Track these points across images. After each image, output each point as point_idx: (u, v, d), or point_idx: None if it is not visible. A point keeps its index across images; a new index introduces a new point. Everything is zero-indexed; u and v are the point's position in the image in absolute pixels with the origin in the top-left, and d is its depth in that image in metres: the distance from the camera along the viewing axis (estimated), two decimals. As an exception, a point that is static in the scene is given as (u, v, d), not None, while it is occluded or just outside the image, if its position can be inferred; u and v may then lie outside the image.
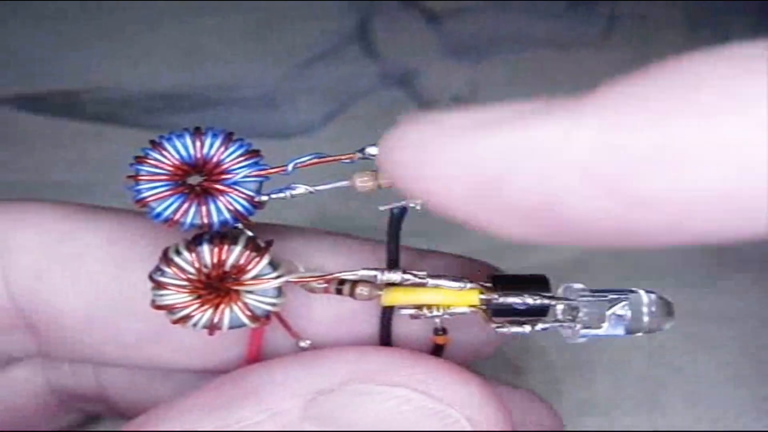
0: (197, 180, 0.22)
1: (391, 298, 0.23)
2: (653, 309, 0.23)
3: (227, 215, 0.21)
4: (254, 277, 0.22)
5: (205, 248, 0.22)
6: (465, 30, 0.43)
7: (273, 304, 0.22)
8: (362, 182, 0.22)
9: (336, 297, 0.23)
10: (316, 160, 0.22)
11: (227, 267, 0.22)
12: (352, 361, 0.22)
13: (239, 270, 0.22)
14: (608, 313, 0.22)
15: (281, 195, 0.22)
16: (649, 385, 0.33)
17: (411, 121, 0.17)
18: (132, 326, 0.25)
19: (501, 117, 0.16)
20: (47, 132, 0.40)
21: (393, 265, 0.23)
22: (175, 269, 0.22)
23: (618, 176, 0.15)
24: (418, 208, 0.22)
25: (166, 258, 0.22)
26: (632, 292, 0.23)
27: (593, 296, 0.23)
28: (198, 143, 0.21)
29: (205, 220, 0.21)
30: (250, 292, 0.22)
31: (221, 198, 0.21)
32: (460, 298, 0.22)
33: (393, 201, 0.22)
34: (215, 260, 0.22)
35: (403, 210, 0.22)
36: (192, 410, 0.22)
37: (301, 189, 0.22)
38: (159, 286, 0.22)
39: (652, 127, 0.15)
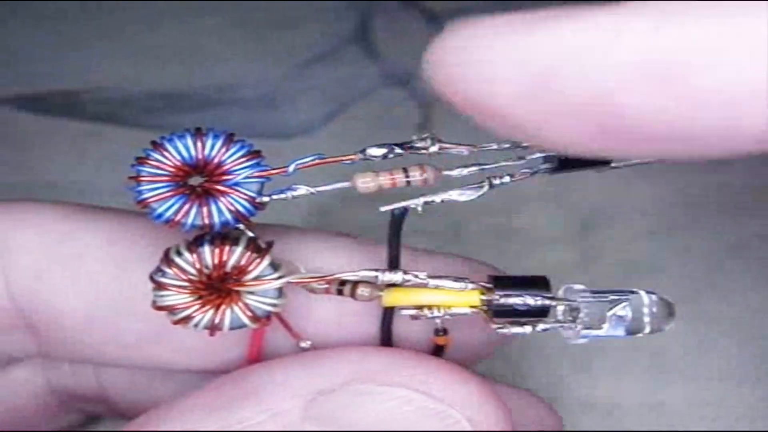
0: (198, 181, 0.22)
1: (391, 298, 0.23)
2: (654, 310, 0.23)
3: (228, 216, 0.21)
4: (255, 278, 0.22)
5: (206, 249, 0.22)
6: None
7: (274, 305, 0.22)
8: (363, 183, 0.22)
9: (337, 297, 0.23)
10: (317, 161, 0.22)
11: (228, 268, 0.22)
12: (353, 361, 0.22)
13: (240, 271, 0.22)
14: (609, 313, 0.22)
15: (282, 196, 0.22)
16: (649, 385, 0.33)
17: (457, 26, 0.17)
18: (132, 326, 0.25)
19: (551, 15, 0.16)
20: (47, 132, 0.40)
21: (394, 265, 0.23)
22: (176, 270, 0.22)
23: (671, 72, 0.15)
24: (419, 209, 0.22)
25: (167, 259, 0.22)
26: (633, 292, 0.23)
27: (594, 297, 0.23)
28: (199, 144, 0.21)
29: (206, 221, 0.21)
30: (251, 292, 0.22)
31: (222, 199, 0.21)
32: (460, 298, 0.22)
33: (394, 202, 0.22)
34: (216, 261, 0.22)
35: (404, 211, 0.22)
36: (193, 410, 0.22)
37: (302, 190, 0.22)
38: (160, 286, 0.22)
39: (706, 22, 0.14)
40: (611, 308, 0.22)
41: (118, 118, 0.40)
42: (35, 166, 0.39)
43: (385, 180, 0.22)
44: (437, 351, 0.24)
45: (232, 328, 0.22)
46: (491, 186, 0.22)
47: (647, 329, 0.23)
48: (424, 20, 0.43)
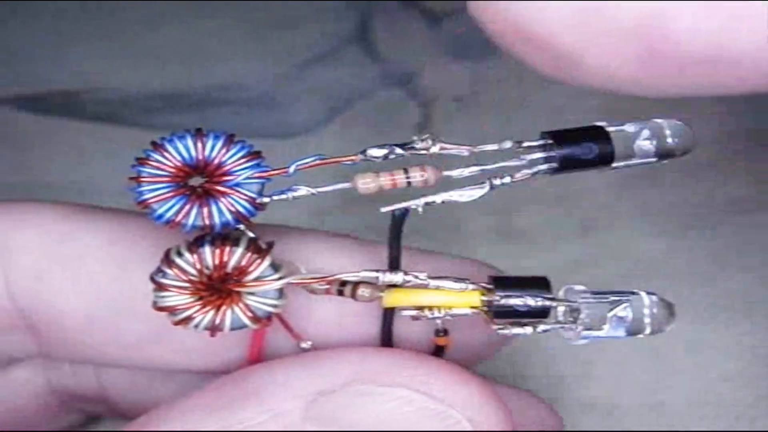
0: (199, 181, 0.22)
1: (392, 299, 0.23)
2: (654, 311, 0.23)
3: (229, 217, 0.21)
4: (256, 279, 0.22)
5: (207, 250, 0.22)
6: (465, 30, 0.43)
7: (274, 306, 0.22)
8: (364, 184, 0.22)
9: (337, 298, 0.23)
10: (318, 162, 0.22)
11: (229, 268, 0.22)
12: (354, 362, 0.22)
13: (241, 271, 0.22)
14: (609, 314, 0.22)
15: (283, 196, 0.22)
16: (649, 385, 0.33)
17: None
18: (133, 327, 0.25)
19: None
20: (47, 132, 0.40)
21: (394, 266, 0.23)
22: (176, 271, 0.22)
23: None
24: (420, 210, 0.22)
25: (167, 259, 0.22)
26: (633, 293, 0.23)
27: (594, 298, 0.23)
28: (200, 145, 0.21)
29: (207, 222, 0.21)
30: (252, 293, 0.22)
31: (223, 199, 0.21)
32: (461, 299, 0.22)
33: (394, 203, 0.22)
34: (217, 262, 0.22)
35: (405, 212, 0.22)
36: (193, 411, 0.22)
37: (302, 191, 0.22)
38: (160, 287, 0.22)
39: None
40: (612, 309, 0.22)
41: (118, 118, 0.40)
42: (35, 166, 0.39)
43: (385, 181, 0.22)
44: (438, 352, 0.24)
45: (232, 329, 0.22)
46: (492, 186, 0.22)
47: (648, 330, 0.23)
48: (424, 20, 0.43)
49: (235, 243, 0.22)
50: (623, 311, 0.22)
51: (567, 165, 0.22)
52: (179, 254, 0.22)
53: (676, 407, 0.33)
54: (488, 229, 0.37)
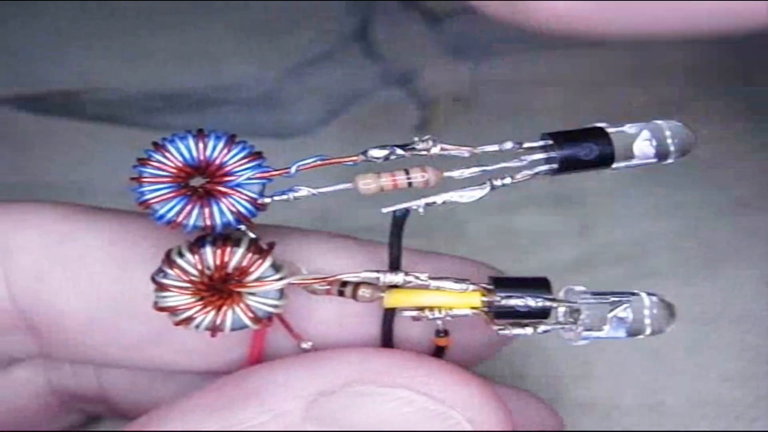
0: (200, 182, 0.22)
1: (393, 299, 0.23)
2: (655, 311, 0.23)
3: (230, 217, 0.21)
4: (257, 279, 0.22)
5: (208, 250, 0.22)
6: (465, 30, 0.43)
7: (275, 306, 0.22)
8: (365, 184, 0.22)
9: (338, 299, 0.23)
10: (319, 163, 0.22)
11: (230, 269, 0.22)
12: (354, 362, 0.22)
13: (242, 272, 0.22)
14: (610, 315, 0.23)
15: (284, 197, 0.22)
16: (649, 385, 0.33)
17: None
18: (133, 327, 0.25)
19: None
20: (47, 132, 0.40)
21: (395, 267, 0.23)
22: (177, 271, 0.22)
23: None
24: (420, 211, 0.22)
25: (168, 260, 0.22)
26: (634, 294, 0.23)
27: (595, 299, 0.23)
28: (201, 145, 0.21)
29: (208, 222, 0.21)
30: (253, 293, 0.22)
31: (224, 200, 0.21)
32: (461, 300, 0.22)
33: (395, 203, 0.22)
34: (218, 262, 0.22)
35: (406, 212, 0.22)
36: (194, 411, 0.22)
37: (303, 191, 0.22)
38: (161, 287, 0.22)
39: None
40: (612, 310, 0.23)
41: (118, 119, 0.40)
42: (35, 166, 0.39)
43: (386, 181, 0.22)
44: (438, 352, 0.24)
45: (233, 329, 0.22)
46: (492, 187, 0.22)
47: (648, 331, 0.23)
48: (424, 20, 0.43)
49: (236, 243, 0.22)
50: (623, 312, 0.22)
51: (567, 166, 0.22)
52: (180, 254, 0.22)
53: (676, 407, 0.33)
54: (489, 230, 0.37)
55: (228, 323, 0.22)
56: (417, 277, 0.22)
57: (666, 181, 0.38)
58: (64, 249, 0.24)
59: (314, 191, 0.22)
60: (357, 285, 0.23)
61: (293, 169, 0.22)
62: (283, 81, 0.41)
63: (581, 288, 0.23)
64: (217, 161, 0.22)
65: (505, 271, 0.26)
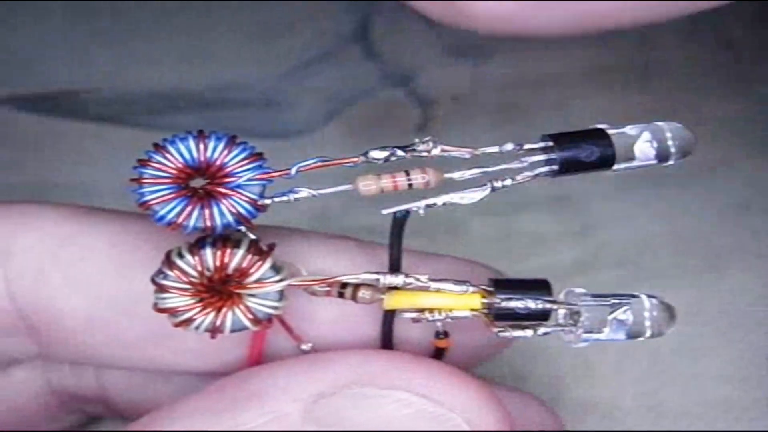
0: (200, 183, 0.22)
1: (393, 301, 0.23)
2: (655, 313, 0.23)
3: (230, 218, 0.21)
4: (257, 281, 0.22)
5: (208, 251, 0.22)
6: (465, 30, 0.43)
7: (275, 308, 0.22)
8: (365, 185, 0.22)
9: (338, 300, 0.23)
10: (319, 164, 0.22)
11: (230, 270, 0.22)
12: (354, 364, 0.22)
13: (242, 273, 0.22)
14: (610, 317, 0.22)
15: (284, 198, 0.22)
16: (649, 386, 0.33)
17: None
18: (133, 328, 0.25)
19: None
20: (47, 132, 0.40)
21: (395, 268, 0.23)
22: (177, 272, 0.22)
23: None
24: (421, 212, 0.22)
25: (168, 261, 0.22)
26: (634, 296, 0.23)
27: (595, 301, 0.23)
28: (201, 146, 0.21)
29: (208, 223, 0.21)
30: (253, 295, 0.22)
31: (224, 201, 0.21)
32: (461, 301, 0.22)
33: (396, 204, 0.22)
34: (218, 263, 0.22)
35: (406, 213, 0.22)
36: (195, 412, 0.22)
37: (304, 193, 0.22)
38: (161, 289, 0.22)
39: None
40: (612, 312, 0.22)
41: (118, 118, 0.40)
42: (35, 166, 0.39)
43: (386, 182, 0.22)
44: (438, 354, 0.24)
45: (233, 331, 0.22)
46: (493, 189, 0.22)
47: (648, 333, 0.23)
48: (424, 20, 0.43)
49: (236, 245, 0.22)
50: (623, 314, 0.22)
51: (568, 167, 0.22)
52: (180, 256, 0.22)
53: (676, 408, 0.33)
54: (489, 231, 0.37)
55: (228, 325, 0.22)
56: (417, 279, 0.22)
57: (666, 182, 0.38)
58: (64, 250, 0.24)
59: (314, 192, 0.22)
60: (357, 286, 0.23)
61: (293, 171, 0.22)
62: (283, 81, 0.41)
63: (581, 290, 0.23)
64: (218, 162, 0.22)
65: (506, 273, 0.26)
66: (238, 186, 0.21)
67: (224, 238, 0.22)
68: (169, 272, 0.22)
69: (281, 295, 0.22)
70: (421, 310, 0.23)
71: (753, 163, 0.39)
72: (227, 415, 0.22)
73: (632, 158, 0.22)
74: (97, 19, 0.42)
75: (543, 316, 0.22)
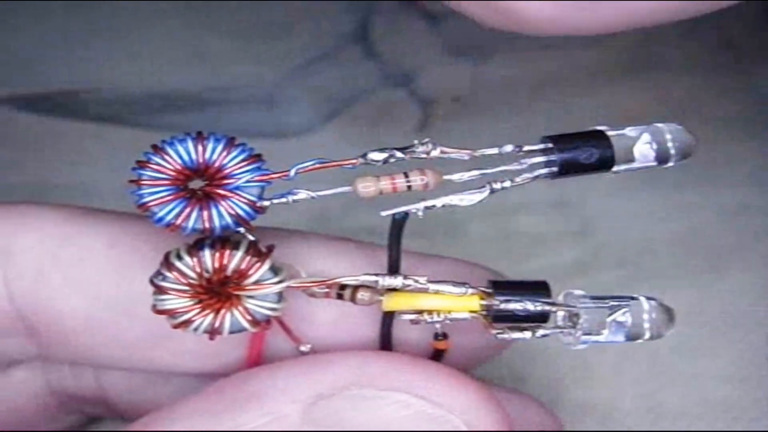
0: (199, 184, 0.22)
1: (392, 303, 0.23)
2: (654, 316, 0.23)
3: (229, 220, 0.21)
4: (255, 282, 0.22)
5: (207, 253, 0.22)
6: (465, 30, 0.43)
7: (274, 309, 0.22)
8: (364, 187, 0.22)
9: (337, 302, 0.23)
10: (318, 166, 0.22)
11: (228, 272, 0.22)
12: (353, 365, 0.22)
13: (240, 275, 0.22)
14: (609, 319, 0.22)
15: (283, 200, 0.22)
16: (649, 387, 0.33)
17: None
18: (132, 329, 0.25)
19: None
20: (47, 132, 0.40)
21: (394, 270, 0.23)
22: (176, 274, 0.22)
23: None
24: (420, 214, 0.22)
25: (167, 262, 0.22)
26: (633, 298, 0.23)
27: (594, 303, 0.23)
28: (200, 148, 0.21)
29: (207, 225, 0.21)
30: (251, 296, 0.22)
31: (223, 203, 0.21)
32: (460, 303, 0.22)
33: (395, 206, 0.22)
34: (217, 265, 0.22)
35: (405, 215, 0.22)
36: (194, 413, 0.22)
37: (302, 194, 0.22)
38: (160, 290, 0.22)
39: None
40: (611, 314, 0.22)
41: (118, 118, 0.40)
42: (35, 166, 0.38)
43: (385, 184, 0.22)
44: (437, 355, 0.24)
45: (231, 332, 0.22)
46: (492, 191, 0.22)
47: (647, 335, 0.23)
48: (424, 20, 0.43)
49: (235, 246, 0.22)
50: (622, 316, 0.22)
51: (568, 169, 0.22)
52: (179, 257, 0.22)
53: (675, 408, 0.33)
54: (488, 232, 0.37)
55: (226, 326, 0.22)
56: (416, 281, 0.22)
57: (667, 182, 0.38)
58: (63, 251, 0.24)
59: (313, 194, 0.22)
60: (356, 288, 0.23)
61: (292, 172, 0.22)
62: (283, 81, 0.41)
63: (580, 292, 0.23)
64: (217, 164, 0.22)
65: (505, 273, 0.26)
66: (237, 188, 0.22)
67: (223, 240, 0.22)
68: (168, 274, 0.22)
69: (280, 296, 0.22)
70: (420, 312, 0.23)
71: (753, 163, 0.38)
72: (226, 415, 0.22)
73: (632, 160, 0.22)
74: (97, 19, 0.42)
75: (542, 318, 0.22)
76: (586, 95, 0.41)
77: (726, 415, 0.33)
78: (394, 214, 0.22)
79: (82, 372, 0.28)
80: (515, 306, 0.22)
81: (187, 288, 0.22)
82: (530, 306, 0.22)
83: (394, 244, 0.23)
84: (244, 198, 0.22)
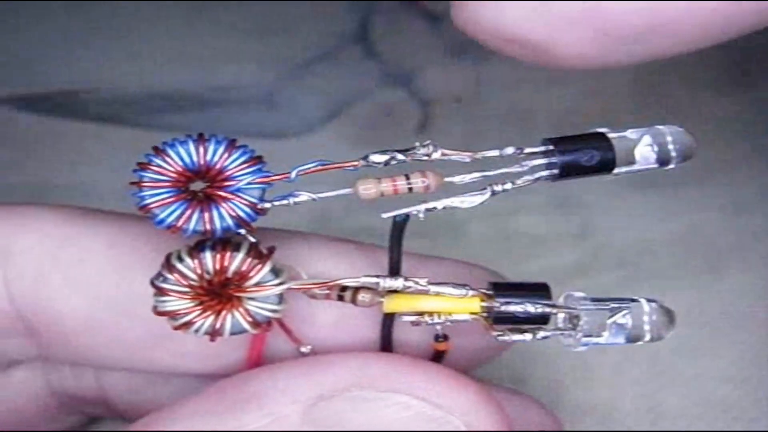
0: (200, 186, 0.22)
1: (392, 305, 0.23)
2: (654, 317, 0.23)
3: (230, 222, 0.21)
4: (256, 284, 0.22)
5: (208, 255, 0.22)
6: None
7: (274, 311, 0.22)
8: (365, 189, 0.22)
9: (337, 303, 0.23)
10: (319, 168, 0.22)
11: (229, 273, 0.22)
12: (353, 367, 0.22)
13: (241, 276, 0.22)
14: (609, 321, 0.23)
15: (284, 202, 0.22)
16: (649, 387, 0.33)
17: None
18: (133, 330, 0.25)
19: None
20: (47, 132, 0.40)
21: (395, 272, 0.23)
22: (177, 275, 0.22)
23: None
24: (421, 216, 0.22)
25: (168, 264, 0.22)
26: (633, 300, 0.23)
27: (594, 305, 0.23)
28: (201, 150, 0.21)
29: (208, 227, 0.21)
30: (252, 298, 0.22)
31: (224, 204, 0.21)
32: (461, 305, 0.22)
33: (396, 207, 0.22)
34: (217, 267, 0.22)
35: (406, 217, 0.22)
36: (195, 413, 0.22)
37: (303, 196, 0.22)
38: (161, 292, 0.22)
39: None
40: (611, 316, 0.23)
41: (118, 119, 0.40)
42: (35, 166, 0.38)
43: (386, 186, 0.22)
44: (437, 357, 0.24)
45: (232, 334, 0.22)
46: (493, 193, 0.22)
47: (647, 337, 0.23)
48: (424, 20, 0.43)
49: (236, 248, 0.22)
50: (623, 318, 0.22)
51: (569, 171, 0.22)
52: (180, 259, 0.22)
53: (675, 409, 0.33)
54: (489, 232, 0.37)
55: (227, 328, 0.22)
56: (416, 282, 0.22)
57: (667, 183, 0.38)
58: (63, 252, 0.24)
59: (314, 196, 0.22)
60: (356, 290, 0.23)
61: (293, 174, 0.22)
62: (283, 81, 0.41)
63: (581, 294, 0.23)
64: (218, 166, 0.21)
65: (505, 275, 0.26)
66: (238, 189, 0.21)
67: (224, 242, 0.22)
68: (169, 275, 0.22)
69: (281, 298, 0.22)
70: (421, 314, 0.23)
71: (753, 163, 0.38)
72: (227, 416, 0.22)
73: (633, 162, 0.22)
74: (97, 19, 0.42)
75: (542, 320, 0.22)
76: (587, 95, 0.41)
77: (726, 415, 0.33)
78: (395, 216, 0.22)
79: (82, 372, 0.28)
80: (516, 308, 0.22)
81: (188, 290, 0.22)
82: (531, 308, 0.22)
83: (395, 245, 0.23)
84: (245, 200, 0.21)
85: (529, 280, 0.23)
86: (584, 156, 0.22)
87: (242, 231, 0.22)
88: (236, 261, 0.22)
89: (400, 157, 0.22)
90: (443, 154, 0.22)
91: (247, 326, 0.22)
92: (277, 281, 0.22)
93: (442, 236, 0.36)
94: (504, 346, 0.27)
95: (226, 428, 0.22)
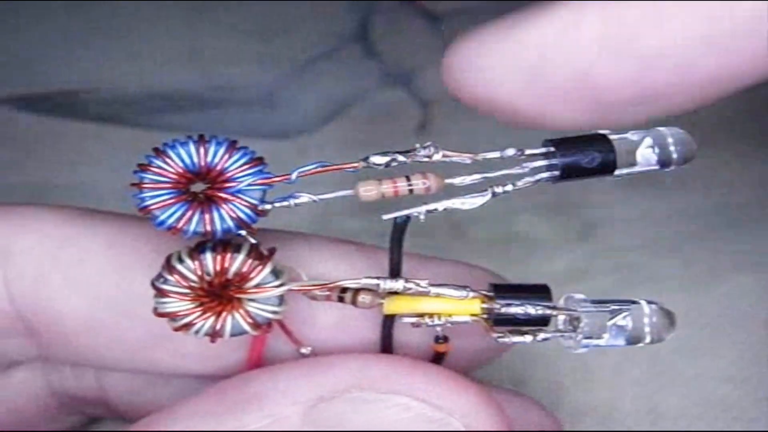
0: (201, 188, 0.22)
1: (393, 306, 0.23)
2: (654, 319, 0.23)
3: (230, 223, 0.21)
4: (257, 286, 0.22)
5: (208, 256, 0.22)
6: (465, 30, 0.43)
7: (275, 312, 0.22)
8: (366, 191, 0.22)
9: (338, 304, 0.23)
10: (320, 169, 0.22)
11: (230, 275, 0.22)
12: (354, 368, 0.22)
13: (242, 278, 0.22)
14: (609, 323, 0.23)
15: (285, 203, 0.22)
16: (648, 388, 0.33)
17: (459, 41, 0.22)
18: (133, 331, 0.25)
19: (520, 19, 0.21)
20: (47, 132, 0.39)
21: (395, 273, 0.23)
22: (177, 277, 0.22)
23: (624, 40, 0.20)
24: (421, 218, 0.22)
25: (168, 265, 0.22)
26: (634, 302, 0.23)
27: (594, 307, 0.23)
28: (202, 151, 0.21)
29: (209, 228, 0.21)
30: (253, 299, 0.22)
31: (224, 206, 0.21)
32: (461, 307, 0.23)
33: (396, 209, 0.22)
34: (218, 268, 0.22)
35: (406, 219, 0.22)
36: (195, 414, 0.22)
37: (304, 198, 0.22)
38: (161, 293, 0.22)
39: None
40: (612, 318, 0.23)
41: (118, 119, 0.40)
42: (35, 167, 0.38)
43: (387, 188, 0.22)
44: (437, 358, 0.24)
45: (232, 335, 0.22)
46: (494, 194, 0.22)
47: (648, 339, 0.23)
48: (424, 20, 0.43)
49: (237, 249, 0.22)
50: (623, 320, 0.22)
51: (569, 173, 0.22)
52: (180, 260, 0.22)
53: (675, 409, 0.33)
54: (489, 234, 0.37)
55: (227, 329, 0.22)
56: (417, 284, 0.22)
57: (667, 186, 0.38)
58: (63, 252, 0.24)
59: (315, 198, 0.22)
60: (357, 291, 0.23)
61: (294, 176, 0.22)
62: (283, 81, 0.41)
63: (581, 296, 0.23)
64: (218, 167, 0.21)
65: (505, 276, 0.26)
66: (239, 191, 0.21)
67: (224, 243, 0.22)
68: (169, 277, 0.22)
69: (281, 299, 0.22)
70: (421, 315, 0.23)
71: (753, 163, 0.38)
72: (227, 417, 0.22)
73: (634, 164, 0.22)
74: (97, 19, 0.42)
75: (543, 321, 0.23)
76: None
77: (726, 415, 0.33)
78: (395, 218, 0.22)
79: (82, 373, 0.28)
80: (516, 309, 0.22)
81: (188, 291, 0.22)
82: (531, 310, 0.22)
83: (396, 247, 0.23)
84: (246, 201, 0.21)
85: (530, 281, 0.23)
86: (585, 157, 0.22)
87: (243, 232, 0.22)
88: (237, 262, 0.22)
89: (400, 158, 0.22)
90: (444, 156, 0.22)
91: (247, 327, 0.22)
92: (277, 282, 0.22)
93: (443, 237, 0.36)
94: (504, 348, 0.27)
95: (226, 429, 0.22)
